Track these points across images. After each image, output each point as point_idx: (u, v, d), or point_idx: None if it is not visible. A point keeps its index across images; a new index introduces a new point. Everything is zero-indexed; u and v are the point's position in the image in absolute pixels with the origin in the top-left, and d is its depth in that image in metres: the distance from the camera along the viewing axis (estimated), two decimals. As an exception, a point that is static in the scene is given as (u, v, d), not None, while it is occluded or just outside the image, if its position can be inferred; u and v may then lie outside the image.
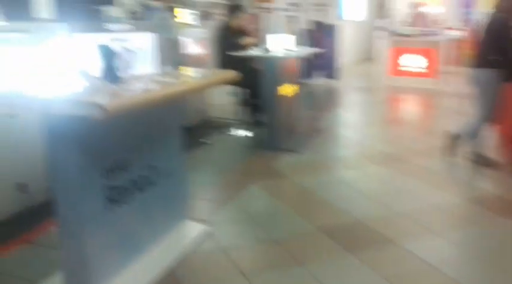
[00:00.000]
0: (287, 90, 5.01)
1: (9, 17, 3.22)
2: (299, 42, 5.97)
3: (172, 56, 2.71)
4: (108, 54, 2.29)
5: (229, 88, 5.39)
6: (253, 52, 4.97)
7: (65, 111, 1.93)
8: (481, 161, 4.36)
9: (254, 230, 3.11)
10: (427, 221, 3.22)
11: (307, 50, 5.70)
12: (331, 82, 9.84)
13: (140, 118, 2.54)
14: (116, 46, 2.40)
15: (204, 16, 6.39)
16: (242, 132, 5.54)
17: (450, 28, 10.81)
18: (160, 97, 2.27)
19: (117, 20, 4.16)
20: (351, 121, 6.70)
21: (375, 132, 5.91)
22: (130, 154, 2.49)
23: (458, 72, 8.78)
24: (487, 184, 3.96)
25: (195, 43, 6.01)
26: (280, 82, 4.83)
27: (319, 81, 9.72)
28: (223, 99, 5.83)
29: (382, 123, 6.45)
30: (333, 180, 4.09)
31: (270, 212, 3.44)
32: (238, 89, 5.43)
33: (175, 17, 5.61)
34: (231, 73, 2.95)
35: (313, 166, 4.45)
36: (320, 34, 9.88)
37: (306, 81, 9.74)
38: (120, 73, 2.34)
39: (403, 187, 3.91)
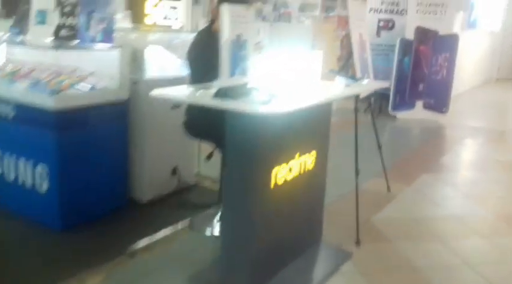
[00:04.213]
0: (293, 169, 2.35)
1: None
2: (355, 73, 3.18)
3: None
4: None
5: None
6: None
7: None
8: None
9: None
10: None
11: (358, 87, 2.81)
12: (435, 118, 6.70)
13: None
14: None
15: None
16: (210, 227, 2.98)
17: None
18: None
19: None
20: (446, 221, 3.62)
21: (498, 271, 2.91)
22: None
23: None
24: None
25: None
26: (270, 163, 2.17)
27: (415, 115, 6.68)
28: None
29: None
30: None
31: None
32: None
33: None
34: None
35: None
36: (426, 47, 6.85)
37: (394, 114, 6.80)
38: None
39: None
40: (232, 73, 1.94)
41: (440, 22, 6.90)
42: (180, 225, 3.01)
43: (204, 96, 2.04)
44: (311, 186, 2.59)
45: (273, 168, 2.16)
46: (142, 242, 2.74)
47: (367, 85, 2.85)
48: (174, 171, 3.52)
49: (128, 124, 3.19)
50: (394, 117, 6.82)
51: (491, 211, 3.61)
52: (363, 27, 3.49)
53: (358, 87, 2.65)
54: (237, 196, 2.13)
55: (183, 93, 2.23)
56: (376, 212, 3.37)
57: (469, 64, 8.84)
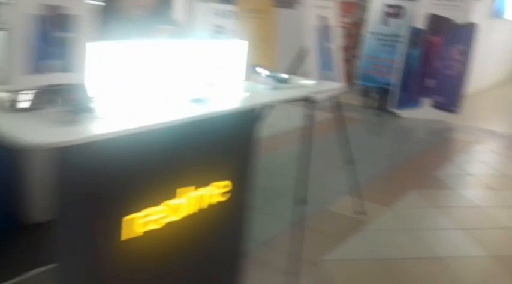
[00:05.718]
0: (176, 210, 1.65)
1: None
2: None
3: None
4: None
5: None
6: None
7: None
8: None
9: None
10: None
11: (282, 93, 1.99)
12: (445, 118, 5.87)
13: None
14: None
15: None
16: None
17: None
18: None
19: None
20: (427, 264, 2.88)
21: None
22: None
23: None
24: None
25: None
26: (114, 211, 1.47)
27: (422, 114, 5.86)
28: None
29: None
30: None
31: None
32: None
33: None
34: None
35: None
36: (440, 38, 5.98)
37: (398, 112, 5.99)
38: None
39: None
40: (35, 69, 1.23)
41: (457, 10, 5.98)
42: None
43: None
44: (219, 224, 1.87)
45: (121, 217, 1.45)
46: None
47: (298, 90, 2.02)
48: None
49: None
50: (399, 115, 6.01)
51: (492, 253, 2.79)
52: (331, 8, 2.71)
53: (282, 93, 1.87)
54: (67, 254, 1.44)
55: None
56: (332, 247, 2.62)
57: (490, 58, 7.85)
